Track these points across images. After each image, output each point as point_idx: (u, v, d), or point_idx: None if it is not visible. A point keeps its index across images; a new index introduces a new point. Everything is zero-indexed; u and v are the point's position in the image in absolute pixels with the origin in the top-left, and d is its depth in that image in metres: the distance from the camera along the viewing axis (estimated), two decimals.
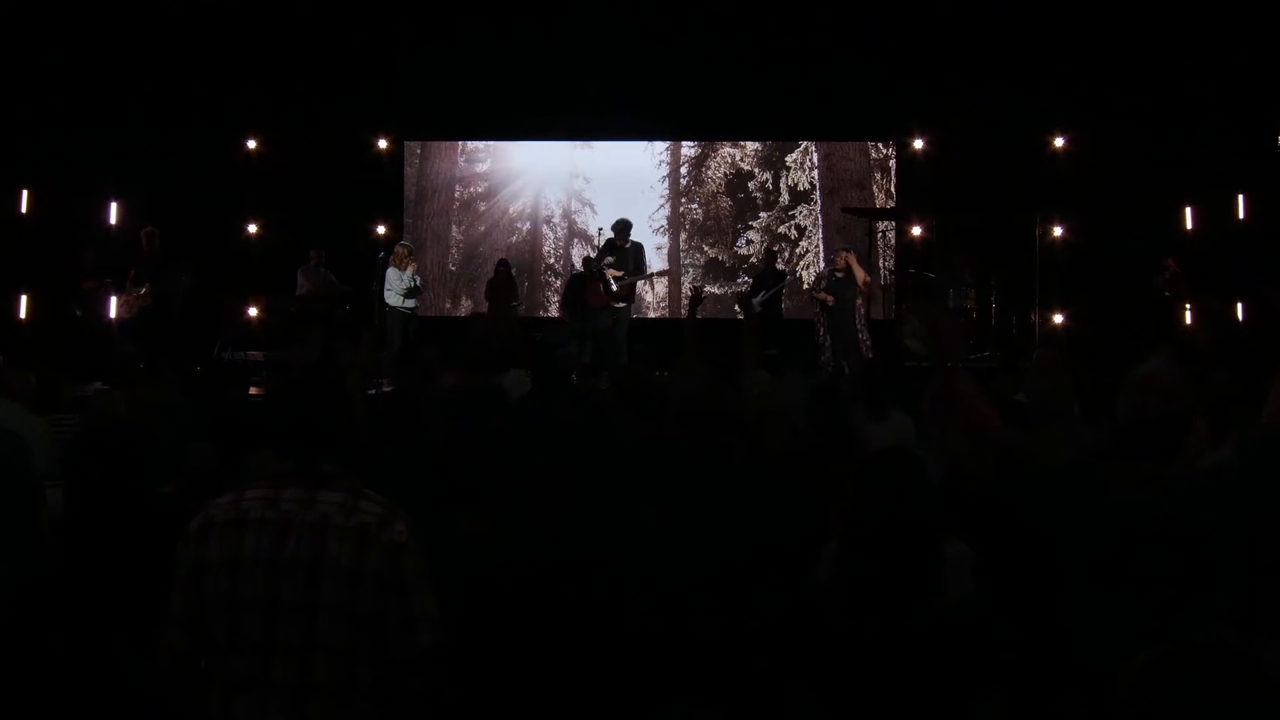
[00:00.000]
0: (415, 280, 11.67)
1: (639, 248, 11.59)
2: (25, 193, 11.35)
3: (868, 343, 11.09)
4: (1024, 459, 3.14)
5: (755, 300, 11.35)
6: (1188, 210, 11.98)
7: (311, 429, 2.32)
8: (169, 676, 2.30)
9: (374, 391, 6.40)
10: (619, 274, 11.27)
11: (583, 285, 11.72)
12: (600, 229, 11.66)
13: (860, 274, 11.01)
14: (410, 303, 11.66)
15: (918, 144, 12.96)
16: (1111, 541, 2.76)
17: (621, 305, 11.37)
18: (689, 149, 14.33)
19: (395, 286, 11.54)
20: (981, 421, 3.27)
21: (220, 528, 2.27)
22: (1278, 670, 1.61)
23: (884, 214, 13.38)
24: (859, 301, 11.10)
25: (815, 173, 14.06)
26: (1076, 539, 2.83)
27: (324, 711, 2.21)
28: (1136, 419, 2.84)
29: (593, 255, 11.80)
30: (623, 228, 11.41)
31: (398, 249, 11.72)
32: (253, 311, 12.47)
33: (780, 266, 12.65)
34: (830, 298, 11.03)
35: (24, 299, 11.43)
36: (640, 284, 13.17)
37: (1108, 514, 2.79)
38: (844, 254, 11.28)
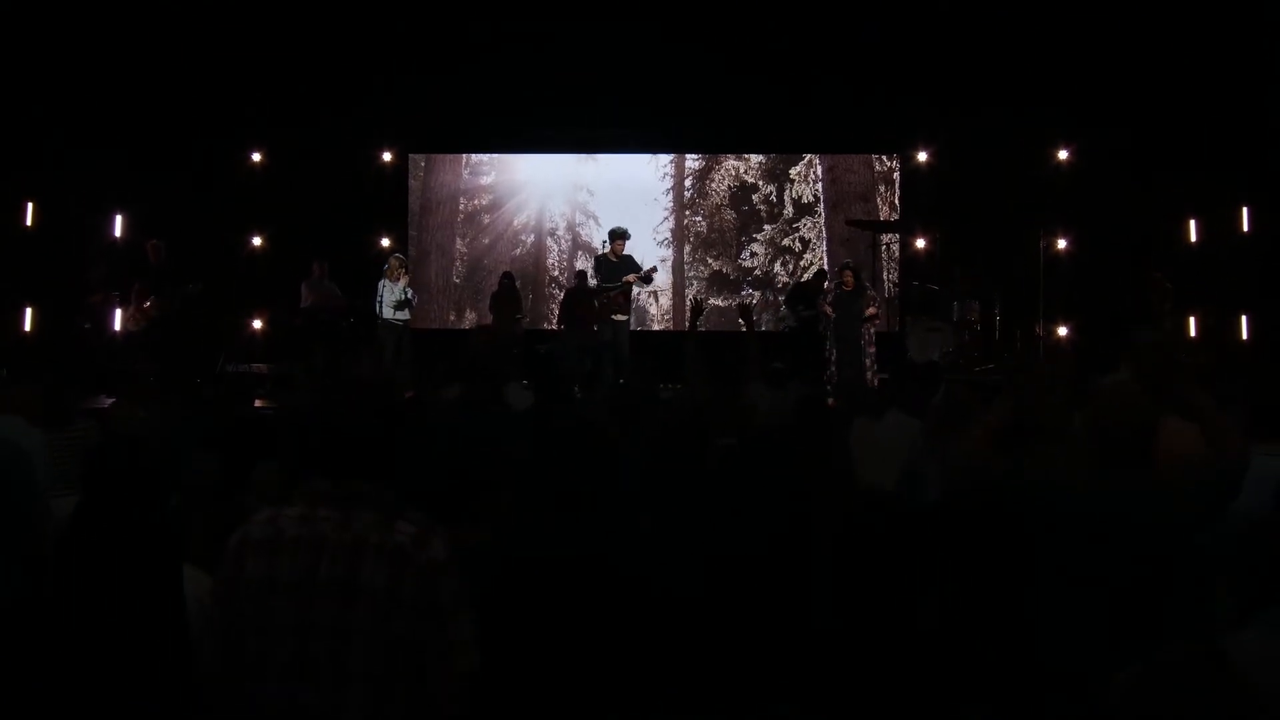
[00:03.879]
0: (407, 293, 11.64)
1: (629, 259, 11.40)
2: (30, 205, 11.37)
3: (871, 356, 11.04)
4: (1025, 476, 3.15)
5: (797, 311, 11.43)
6: (1191, 223, 11.95)
7: (349, 447, 2.26)
8: (203, 699, 2.24)
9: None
10: (608, 285, 11.15)
11: (576, 302, 11.71)
12: (604, 241, 11.61)
13: (870, 307, 10.99)
14: (403, 315, 11.64)
15: (922, 156, 12.98)
16: (1086, 549, 2.84)
17: (621, 319, 11.24)
18: (693, 162, 14.35)
19: (387, 299, 11.52)
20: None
21: (255, 546, 2.21)
22: (1253, 668, 1.61)
23: (888, 227, 13.39)
24: (872, 320, 11.04)
25: (819, 185, 14.07)
26: (1053, 548, 2.89)
27: None
28: (1100, 431, 2.97)
29: (589, 271, 11.76)
30: (616, 235, 11.24)
31: (391, 261, 11.70)
32: (257, 324, 12.48)
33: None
34: (831, 311, 11.03)
35: (29, 311, 11.44)
36: (642, 293, 13.11)
37: (1081, 522, 2.87)
38: (848, 272, 11.23)
